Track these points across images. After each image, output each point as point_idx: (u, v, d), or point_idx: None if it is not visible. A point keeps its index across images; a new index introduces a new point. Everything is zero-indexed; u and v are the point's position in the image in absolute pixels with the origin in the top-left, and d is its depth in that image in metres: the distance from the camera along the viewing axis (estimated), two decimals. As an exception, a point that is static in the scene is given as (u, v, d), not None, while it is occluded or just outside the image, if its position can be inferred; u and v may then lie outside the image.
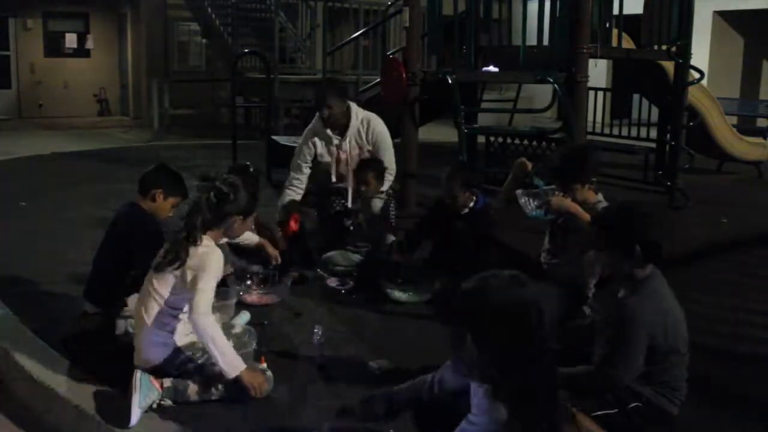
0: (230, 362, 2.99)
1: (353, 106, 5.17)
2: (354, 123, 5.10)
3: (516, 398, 2.12)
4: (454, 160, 5.08)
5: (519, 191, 4.05)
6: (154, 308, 3.10)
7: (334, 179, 5.18)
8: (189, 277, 3.04)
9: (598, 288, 3.64)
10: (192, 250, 3.06)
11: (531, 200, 3.98)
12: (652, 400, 2.73)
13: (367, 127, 5.12)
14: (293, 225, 4.85)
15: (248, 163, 4.95)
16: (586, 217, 3.70)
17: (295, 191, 5.22)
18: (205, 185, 3.20)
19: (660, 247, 2.75)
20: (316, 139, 5.19)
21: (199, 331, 3.00)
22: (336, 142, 5.13)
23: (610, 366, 2.69)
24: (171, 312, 3.11)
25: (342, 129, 5.12)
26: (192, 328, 3.08)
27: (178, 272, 3.07)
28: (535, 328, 2.16)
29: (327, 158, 5.20)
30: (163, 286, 3.10)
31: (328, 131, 5.13)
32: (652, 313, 2.69)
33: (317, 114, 5.19)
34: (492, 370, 2.16)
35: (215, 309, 3.50)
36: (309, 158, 5.23)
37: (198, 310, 2.98)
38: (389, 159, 5.19)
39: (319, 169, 5.30)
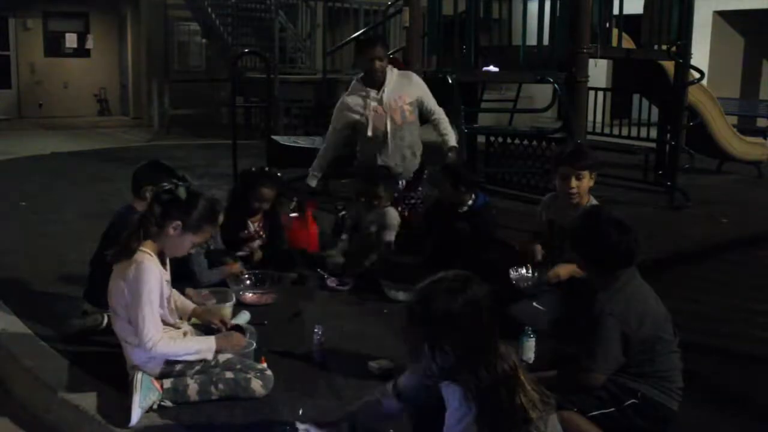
0: (202, 350, 3.08)
1: (388, 65, 5.20)
2: (390, 77, 5.09)
3: (481, 398, 2.12)
4: (446, 160, 5.05)
5: (513, 274, 4.03)
6: (124, 327, 3.05)
7: (369, 133, 5.09)
8: (128, 297, 2.95)
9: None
10: (125, 262, 2.97)
11: (523, 283, 3.98)
12: (648, 395, 2.72)
13: (407, 78, 5.19)
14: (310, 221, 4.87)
15: (266, 168, 4.96)
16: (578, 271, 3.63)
17: (319, 169, 5.37)
18: (156, 191, 3.11)
19: (629, 253, 2.78)
20: (350, 99, 5.18)
21: (158, 358, 3.00)
22: (374, 94, 5.09)
23: (588, 360, 2.71)
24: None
25: (379, 85, 5.10)
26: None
27: (122, 285, 2.97)
28: (486, 326, 2.15)
29: (362, 113, 5.13)
30: (114, 302, 3.05)
31: (367, 88, 5.13)
32: (621, 304, 2.72)
33: (355, 78, 5.30)
34: (451, 372, 2.17)
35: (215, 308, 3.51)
36: (342, 123, 5.23)
37: (147, 347, 2.93)
38: (433, 107, 5.23)
39: (363, 150, 5.27)
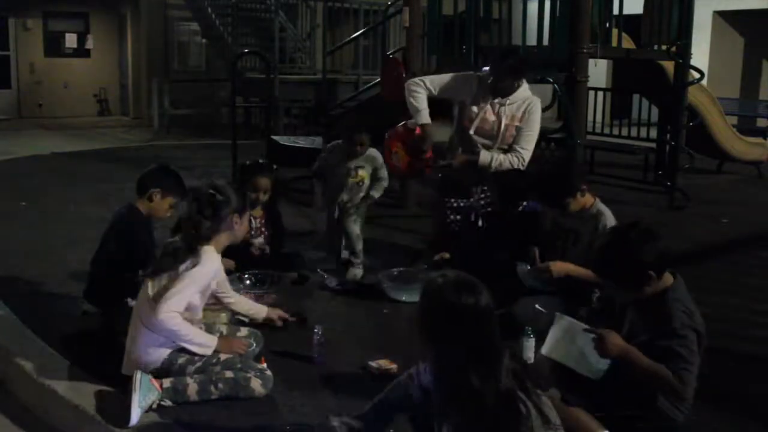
0: (203, 344, 3.14)
1: (525, 83, 4.70)
2: (520, 94, 4.63)
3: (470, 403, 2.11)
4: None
5: (519, 267, 4.00)
6: (150, 314, 3.09)
7: (472, 132, 4.67)
8: (182, 272, 3.09)
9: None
10: (191, 258, 3.11)
11: (529, 275, 3.95)
12: (660, 407, 2.70)
13: (528, 104, 4.64)
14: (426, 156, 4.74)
15: (260, 160, 4.95)
16: (590, 274, 3.50)
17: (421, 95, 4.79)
18: (194, 197, 3.23)
19: (666, 257, 2.72)
20: (475, 86, 4.70)
21: (159, 321, 3.03)
22: (492, 99, 4.63)
23: (684, 374, 2.60)
24: None
25: (503, 96, 4.63)
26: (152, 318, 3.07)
27: (174, 277, 3.09)
28: (481, 329, 2.13)
29: (472, 109, 4.67)
30: (162, 286, 3.10)
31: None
32: (690, 310, 2.67)
33: (486, 74, 4.75)
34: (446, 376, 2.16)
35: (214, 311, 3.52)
36: (445, 89, 4.78)
37: (164, 306, 3.01)
38: (524, 141, 4.60)
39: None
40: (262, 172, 4.64)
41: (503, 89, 4.60)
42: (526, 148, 4.60)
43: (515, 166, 4.55)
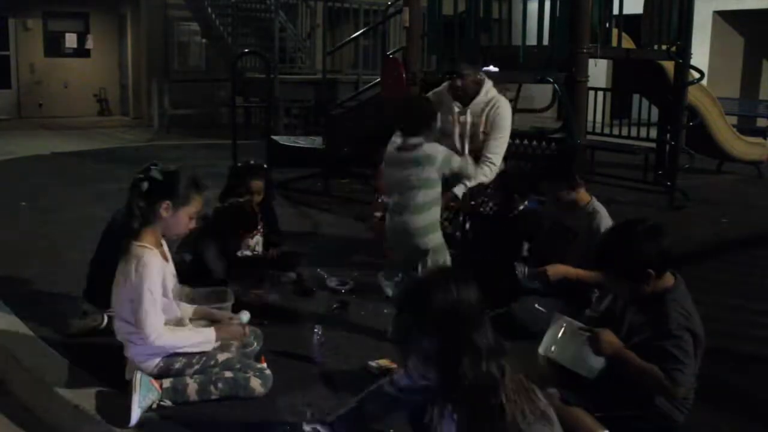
0: (202, 342, 3.11)
1: (488, 83, 4.79)
2: (481, 98, 4.72)
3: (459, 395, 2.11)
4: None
5: (518, 268, 3.99)
6: (126, 325, 3.06)
7: (456, 139, 4.74)
8: (131, 293, 2.96)
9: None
10: (128, 258, 2.98)
11: (526, 275, 3.94)
12: (656, 404, 2.71)
13: (492, 106, 4.69)
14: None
15: (252, 161, 4.92)
16: (588, 275, 3.58)
17: None
18: (138, 176, 3.04)
19: (668, 257, 2.72)
20: (445, 97, 4.80)
21: (159, 354, 3.03)
22: (457, 110, 4.75)
23: (677, 374, 2.60)
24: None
25: (467, 101, 4.74)
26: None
27: (124, 282, 2.98)
28: (472, 324, 2.12)
29: (447, 127, 4.74)
30: (118, 298, 3.07)
31: (454, 102, 4.77)
32: (688, 310, 2.67)
33: (445, 83, 4.92)
34: (436, 372, 2.15)
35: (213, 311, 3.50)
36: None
37: (150, 339, 2.96)
38: (493, 146, 4.64)
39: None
40: (255, 175, 4.62)
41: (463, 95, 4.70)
42: (496, 153, 4.63)
43: (489, 177, 4.58)
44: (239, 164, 4.85)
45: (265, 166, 4.87)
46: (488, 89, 4.75)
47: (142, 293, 2.94)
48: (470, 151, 4.68)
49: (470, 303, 2.12)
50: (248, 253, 4.62)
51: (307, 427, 2.65)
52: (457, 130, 4.74)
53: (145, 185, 3.02)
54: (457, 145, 4.71)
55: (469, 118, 4.71)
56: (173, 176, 3.07)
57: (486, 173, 4.57)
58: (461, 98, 4.75)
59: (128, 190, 3.06)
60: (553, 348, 2.79)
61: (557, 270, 3.74)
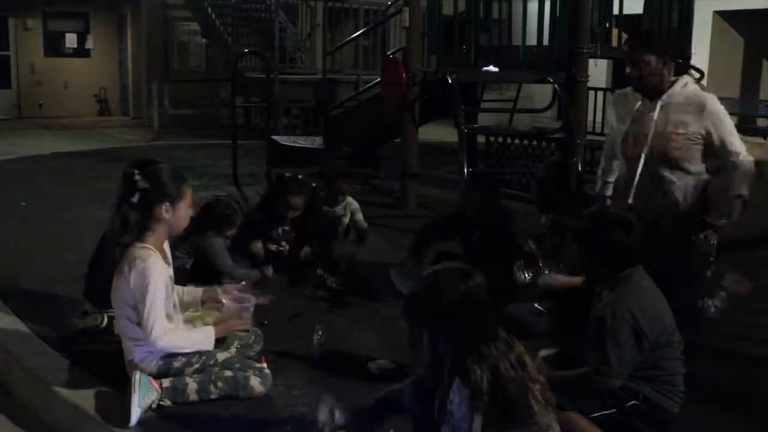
0: (202, 342, 3.12)
1: (686, 77, 3.87)
2: (676, 90, 3.72)
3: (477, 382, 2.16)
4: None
5: (517, 270, 4.02)
6: (127, 324, 3.06)
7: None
8: (135, 294, 2.95)
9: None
10: (129, 259, 2.96)
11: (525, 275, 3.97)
12: (651, 398, 2.72)
13: (700, 103, 3.70)
14: None
15: (299, 175, 4.88)
16: (577, 281, 3.57)
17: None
18: (124, 192, 2.98)
19: (632, 253, 2.79)
20: (620, 108, 3.93)
21: (158, 353, 3.03)
22: (638, 105, 3.78)
23: (603, 364, 2.68)
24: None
25: (653, 95, 3.75)
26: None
27: (127, 283, 2.97)
28: (486, 317, 2.23)
29: (633, 127, 3.79)
30: (118, 299, 3.06)
31: (637, 95, 3.82)
32: (632, 304, 2.70)
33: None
34: (450, 364, 2.23)
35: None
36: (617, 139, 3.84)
37: (152, 341, 2.96)
38: (730, 142, 3.78)
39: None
40: (299, 192, 4.62)
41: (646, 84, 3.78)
42: (732, 149, 3.94)
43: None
44: (287, 174, 4.77)
45: (313, 184, 4.82)
46: (687, 80, 3.88)
47: (148, 295, 2.93)
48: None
49: (486, 295, 2.25)
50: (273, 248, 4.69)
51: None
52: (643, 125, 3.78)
53: (136, 197, 2.98)
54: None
55: (659, 113, 3.76)
56: (158, 177, 3.02)
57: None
58: (645, 88, 3.81)
59: (115, 207, 3.00)
60: None
61: (546, 281, 3.79)
